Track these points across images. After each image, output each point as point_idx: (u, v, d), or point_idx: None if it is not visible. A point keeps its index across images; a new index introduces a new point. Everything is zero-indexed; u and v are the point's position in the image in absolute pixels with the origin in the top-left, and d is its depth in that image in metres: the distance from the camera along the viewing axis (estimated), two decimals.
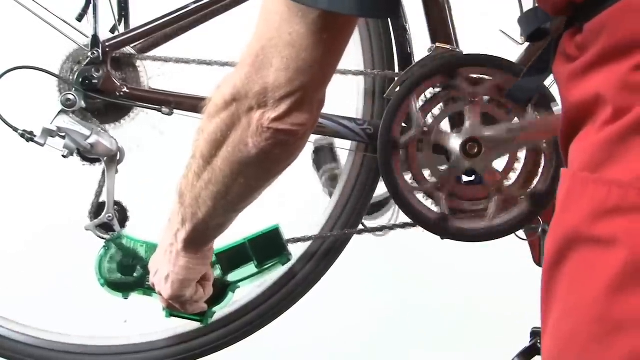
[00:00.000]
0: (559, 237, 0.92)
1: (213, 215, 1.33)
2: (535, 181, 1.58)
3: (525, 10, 1.51)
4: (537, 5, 1.03)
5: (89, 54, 1.61)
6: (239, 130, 1.18)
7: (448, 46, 1.59)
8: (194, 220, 1.35)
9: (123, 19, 1.66)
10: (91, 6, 1.62)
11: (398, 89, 1.57)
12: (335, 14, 1.07)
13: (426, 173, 1.57)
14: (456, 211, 1.58)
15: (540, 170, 1.58)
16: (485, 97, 1.57)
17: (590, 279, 0.89)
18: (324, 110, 1.21)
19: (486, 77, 1.56)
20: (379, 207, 1.72)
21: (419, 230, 1.62)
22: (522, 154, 1.58)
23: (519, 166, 1.58)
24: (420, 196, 1.58)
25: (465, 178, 1.60)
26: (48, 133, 1.62)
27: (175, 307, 1.51)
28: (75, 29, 1.63)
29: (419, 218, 1.58)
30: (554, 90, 1.49)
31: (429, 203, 1.59)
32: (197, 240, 1.41)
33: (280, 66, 1.10)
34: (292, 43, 1.09)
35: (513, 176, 1.58)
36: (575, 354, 0.90)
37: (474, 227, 1.58)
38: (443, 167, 1.58)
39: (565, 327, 0.91)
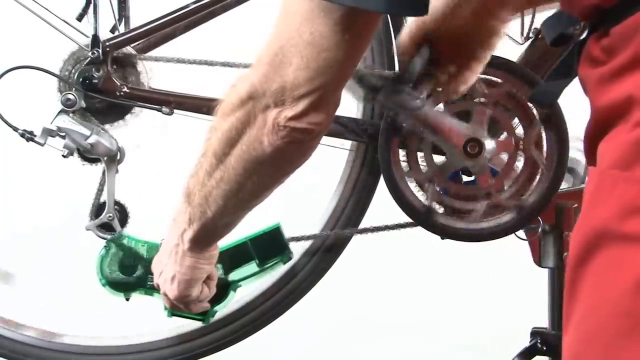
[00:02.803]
0: (587, 234, 0.92)
1: (222, 214, 1.33)
2: (527, 194, 1.58)
3: (524, 10, 1.54)
4: (561, 9, 1.03)
5: (89, 53, 1.61)
6: (254, 129, 1.18)
7: None
8: (203, 219, 1.35)
9: (123, 19, 1.66)
10: (91, 6, 1.62)
11: None
12: (358, 13, 1.07)
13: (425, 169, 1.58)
14: (450, 210, 1.58)
15: (534, 184, 1.57)
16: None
17: (618, 275, 0.89)
18: None
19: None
20: None
21: (419, 230, 1.62)
22: (519, 165, 1.58)
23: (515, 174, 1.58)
24: (423, 198, 1.58)
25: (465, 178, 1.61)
26: (48, 133, 1.62)
27: (179, 307, 1.52)
28: (76, 28, 1.63)
29: (419, 218, 1.58)
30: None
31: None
32: (204, 239, 1.41)
33: (300, 65, 1.11)
34: (312, 42, 1.09)
35: (507, 184, 1.57)
36: (600, 348, 0.90)
37: (470, 227, 1.58)
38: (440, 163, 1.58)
39: (591, 321, 0.91)
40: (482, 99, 1.55)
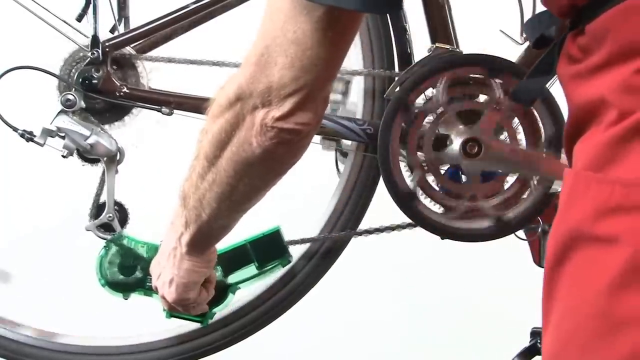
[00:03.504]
0: (562, 236, 0.93)
1: (217, 217, 1.32)
2: (510, 209, 1.58)
3: (524, 10, 1.54)
4: (541, 9, 1.03)
5: (89, 54, 1.61)
6: (243, 130, 1.18)
7: (448, 46, 1.60)
8: (198, 222, 1.35)
9: (123, 19, 1.66)
10: (91, 6, 1.62)
11: (398, 89, 1.57)
12: (340, 11, 1.08)
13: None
14: (452, 210, 1.58)
15: (520, 200, 1.58)
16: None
17: (592, 277, 0.90)
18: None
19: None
20: None
21: (418, 231, 1.62)
22: (511, 180, 1.58)
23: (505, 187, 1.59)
24: (422, 198, 1.58)
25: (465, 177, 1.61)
26: (48, 133, 1.62)
27: (178, 309, 1.51)
28: (75, 29, 1.63)
29: (421, 220, 1.58)
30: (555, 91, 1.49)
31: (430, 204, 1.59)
32: (201, 242, 1.41)
33: (285, 64, 1.10)
34: (296, 41, 1.09)
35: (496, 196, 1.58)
36: (577, 351, 0.91)
37: (474, 226, 1.58)
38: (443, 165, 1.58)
39: (567, 324, 0.92)
40: (496, 105, 1.55)
